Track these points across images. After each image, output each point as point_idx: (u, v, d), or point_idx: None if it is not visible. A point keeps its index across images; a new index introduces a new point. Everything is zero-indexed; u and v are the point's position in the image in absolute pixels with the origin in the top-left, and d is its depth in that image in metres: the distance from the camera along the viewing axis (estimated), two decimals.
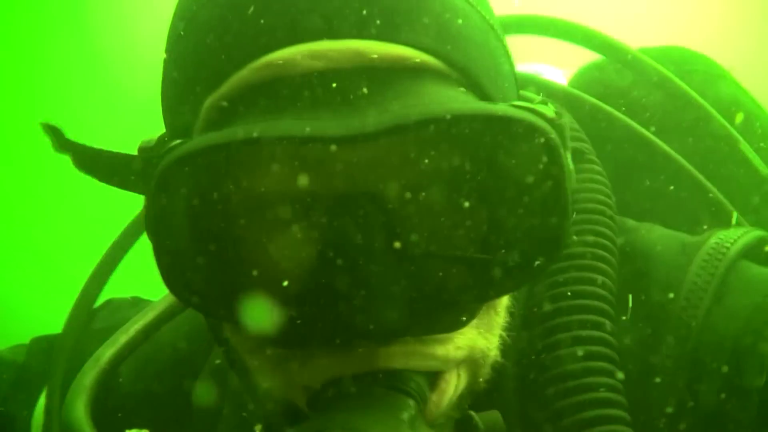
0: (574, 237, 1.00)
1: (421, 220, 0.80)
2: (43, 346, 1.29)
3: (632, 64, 1.25)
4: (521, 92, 0.93)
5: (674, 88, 1.23)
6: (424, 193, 0.80)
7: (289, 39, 0.76)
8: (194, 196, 0.78)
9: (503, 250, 0.81)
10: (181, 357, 1.17)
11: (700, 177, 1.17)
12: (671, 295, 0.97)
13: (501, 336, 0.89)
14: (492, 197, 0.81)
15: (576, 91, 1.21)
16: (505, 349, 0.90)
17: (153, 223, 0.78)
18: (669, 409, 0.93)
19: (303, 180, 0.77)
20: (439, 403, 0.82)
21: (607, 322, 0.95)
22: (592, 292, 0.96)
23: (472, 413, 0.80)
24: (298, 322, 0.78)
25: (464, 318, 0.82)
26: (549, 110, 0.79)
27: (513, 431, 0.92)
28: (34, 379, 1.24)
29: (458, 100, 0.78)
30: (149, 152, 0.79)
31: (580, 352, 0.93)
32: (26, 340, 1.31)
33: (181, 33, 0.83)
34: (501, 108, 0.78)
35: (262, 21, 0.76)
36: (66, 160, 0.84)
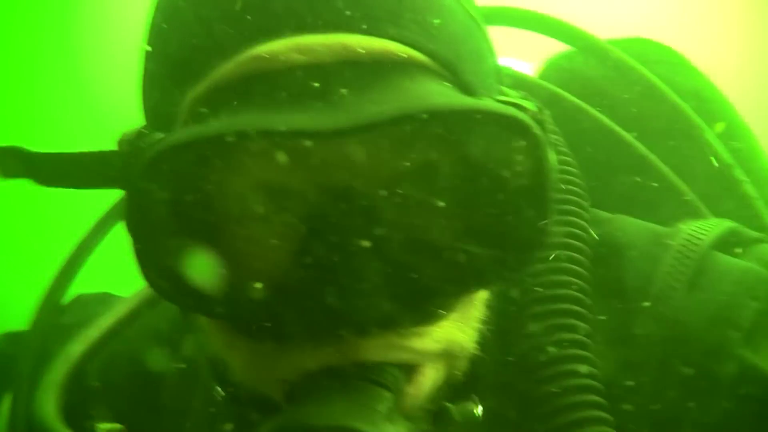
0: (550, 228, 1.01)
1: (400, 214, 0.80)
2: (10, 342, 1.27)
3: (600, 54, 1.26)
4: (505, 89, 0.94)
5: (642, 79, 1.24)
6: (403, 188, 0.80)
7: (274, 32, 0.76)
8: (175, 188, 0.78)
9: (484, 245, 0.82)
10: (151, 353, 1.16)
11: (666, 169, 1.19)
12: (645, 286, 0.99)
13: (478, 329, 0.90)
14: (473, 192, 0.82)
15: (554, 87, 1.22)
16: (483, 341, 0.91)
17: (135, 215, 0.77)
18: (643, 398, 0.95)
19: (281, 174, 0.78)
20: (416, 395, 0.83)
21: (583, 311, 0.97)
22: (567, 282, 0.98)
23: (449, 405, 0.80)
24: (276, 314, 0.78)
25: (442, 311, 0.83)
26: (531, 105, 0.80)
27: (492, 421, 0.93)
28: None
29: (442, 94, 0.78)
30: (131, 145, 0.78)
31: (555, 340, 0.94)
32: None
33: (164, 25, 0.82)
34: (484, 103, 0.78)
35: (246, 14, 0.76)
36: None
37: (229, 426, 0.98)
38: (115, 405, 1.10)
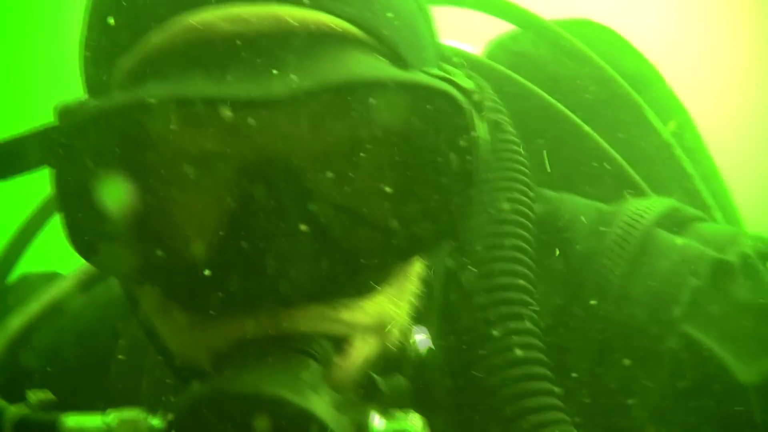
0: (493, 204, 1.02)
1: (327, 185, 0.81)
2: None
3: (546, 35, 1.27)
4: (446, 66, 0.94)
5: (586, 59, 1.26)
6: (327, 159, 0.80)
7: (206, 1, 0.76)
8: (98, 156, 0.78)
9: (410, 215, 0.82)
10: (98, 326, 1.16)
11: (608, 148, 1.20)
12: (588, 263, 1.00)
13: (411, 303, 0.90)
14: (398, 162, 0.82)
15: (503, 69, 1.23)
16: (428, 315, 0.92)
17: (60, 183, 0.77)
18: (581, 375, 0.96)
19: (207, 143, 0.78)
20: (344, 367, 0.84)
21: (527, 284, 0.98)
22: (512, 257, 0.98)
23: (375, 376, 0.81)
24: (205, 284, 0.78)
25: (373, 284, 0.83)
26: (468, 82, 0.80)
27: (440, 397, 0.95)
28: None
29: (369, 66, 0.78)
30: (67, 116, 0.79)
31: (499, 315, 0.95)
32: None
33: None
34: (409, 75, 0.79)
35: None
36: None
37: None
38: (58, 379, 1.09)
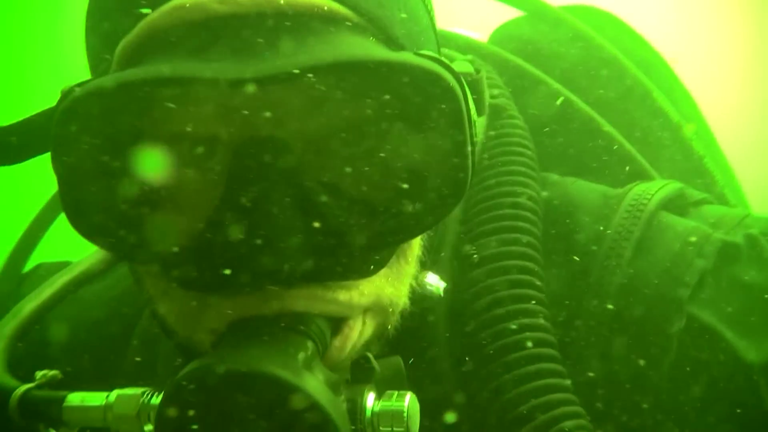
0: (497, 189, 1.02)
1: (322, 165, 0.81)
2: None
3: (551, 19, 1.27)
4: (446, 50, 0.93)
5: (592, 42, 1.25)
6: (323, 139, 0.81)
7: None
8: (94, 134, 0.79)
9: (404, 195, 0.82)
10: (114, 313, 1.17)
11: (615, 132, 1.20)
12: (595, 247, 1.00)
13: (411, 285, 0.91)
14: (392, 143, 0.82)
15: (508, 54, 1.22)
16: (435, 299, 0.92)
17: (58, 161, 0.79)
18: (592, 360, 0.96)
19: (201, 123, 0.79)
20: (341, 347, 0.84)
21: (535, 267, 0.98)
22: (518, 240, 0.99)
23: (369, 355, 0.81)
24: (203, 264, 0.79)
25: (371, 266, 0.83)
26: (465, 65, 0.80)
27: (445, 376, 0.96)
28: None
29: (358, 46, 0.79)
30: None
31: (510, 294, 0.96)
32: None
33: None
34: (399, 55, 0.79)
35: None
36: None
37: None
38: (74, 360, 1.11)
